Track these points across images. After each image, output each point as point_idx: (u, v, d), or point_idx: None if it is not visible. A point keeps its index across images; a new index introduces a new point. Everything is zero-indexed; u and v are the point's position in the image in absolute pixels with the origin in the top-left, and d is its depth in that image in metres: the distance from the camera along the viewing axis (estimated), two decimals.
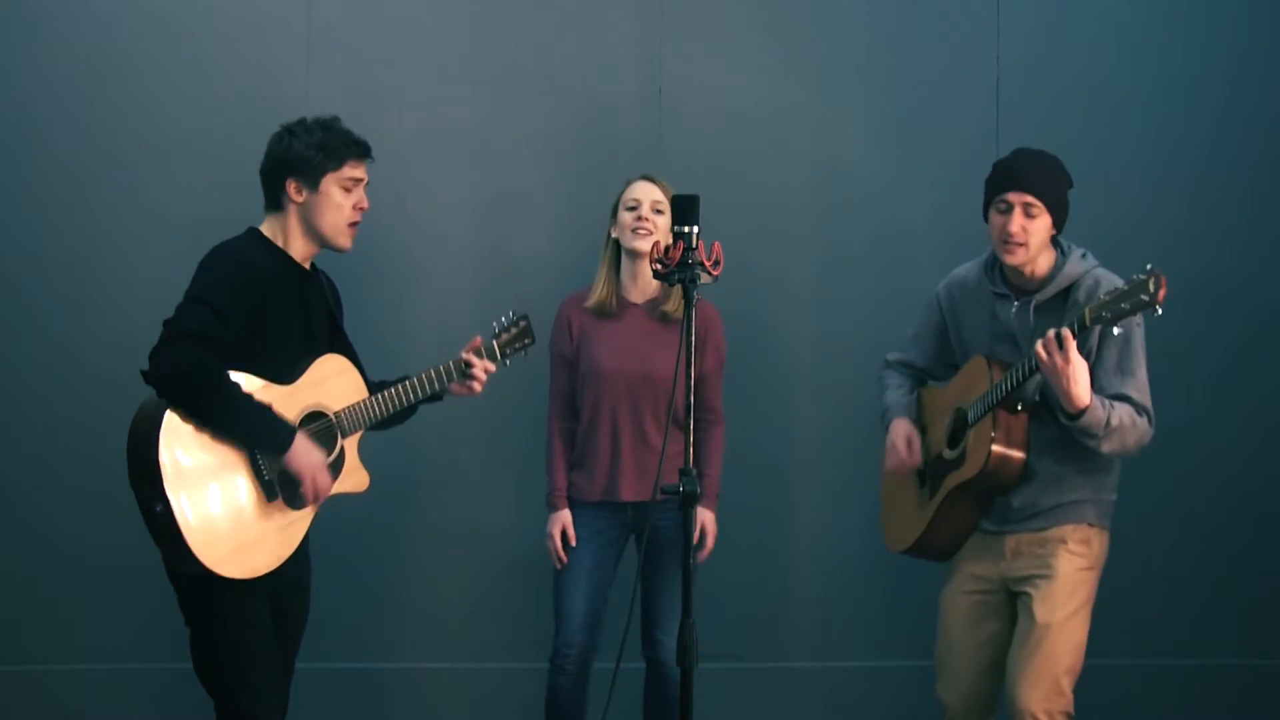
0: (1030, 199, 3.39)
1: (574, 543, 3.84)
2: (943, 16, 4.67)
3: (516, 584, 4.50)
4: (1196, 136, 4.66)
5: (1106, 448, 3.34)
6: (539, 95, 4.59)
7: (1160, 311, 3.11)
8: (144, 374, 3.10)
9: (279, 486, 3.17)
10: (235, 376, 3.11)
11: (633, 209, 3.83)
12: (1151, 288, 3.10)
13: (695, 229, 3.02)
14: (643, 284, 3.89)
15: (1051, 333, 3.20)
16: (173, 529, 3.02)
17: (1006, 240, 3.41)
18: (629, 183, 3.89)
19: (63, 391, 4.41)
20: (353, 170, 3.30)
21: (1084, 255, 3.47)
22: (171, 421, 3.04)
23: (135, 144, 4.45)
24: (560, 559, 3.85)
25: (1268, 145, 4.68)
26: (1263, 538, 4.65)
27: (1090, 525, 3.47)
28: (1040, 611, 3.40)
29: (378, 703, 4.54)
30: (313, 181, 3.26)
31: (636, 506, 3.81)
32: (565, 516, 3.86)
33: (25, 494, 4.41)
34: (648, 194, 3.83)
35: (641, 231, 3.80)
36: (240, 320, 3.12)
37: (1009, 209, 3.40)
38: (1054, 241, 3.49)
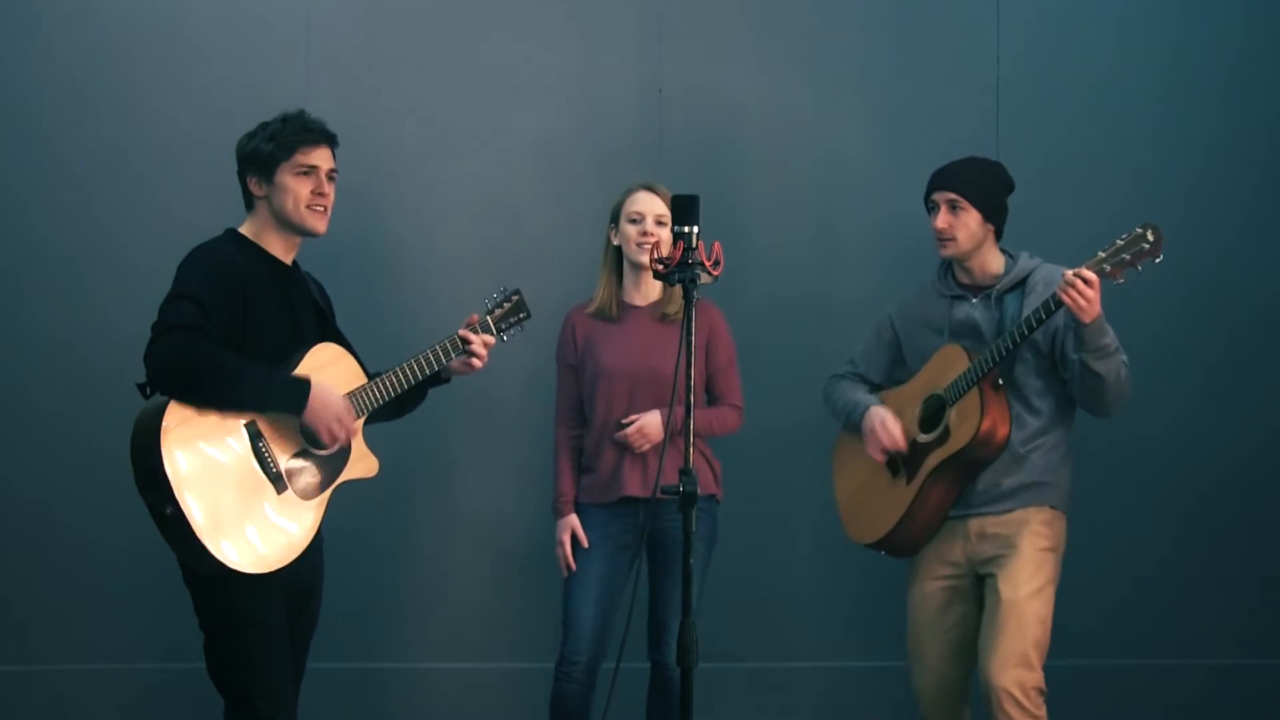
0: (953, 195, 3.59)
1: (585, 544, 3.83)
2: (943, 16, 4.68)
3: (519, 585, 4.50)
4: (1195, 136, 4.67)
5: (1109, 373, 3.36)
6: (539, 95, 4.59)
7: (1161, 259, 3.18)
8: (140, 387, 3.10)
9: (287, 479, 3.17)
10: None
11: (636, 222, 3.82)
12: (1150, 236, 3.21)
13: (695, 229, 3.03)
14: (645, 288, 3.89)
15: (1071, 273, 3.28)
16: (185, 530, 3.01)
17: (939, 238, 3.62)
18: (630, 191, 3.87)
19: (63, 391, 4.41)
20: (304, 157, 3.27)
21: (1031, 256, 3.64)
22: (172, 422, 3.03)
23: (135, 144, 4.45)
24: (570, 565, 3.84)
25: (1267, 145, 4.68)
26: (1263, 538, 4.65)
27: (1052, 508, 3.57)
28: (1005, 589, 3.48)
29: (379, 703, 4.54)
30: (268, 174, 3.27)
31: (647, 505, 3.80)
32: (573, 521, 3.84)
33: (26, 494, 4.41)
34: (651, 207, 3.82)
35: (646, 245, 3.78)
36: (223, 313, 3.12)
37: (935, 208, 3.63)
38: (1002, 250, 3.65)
